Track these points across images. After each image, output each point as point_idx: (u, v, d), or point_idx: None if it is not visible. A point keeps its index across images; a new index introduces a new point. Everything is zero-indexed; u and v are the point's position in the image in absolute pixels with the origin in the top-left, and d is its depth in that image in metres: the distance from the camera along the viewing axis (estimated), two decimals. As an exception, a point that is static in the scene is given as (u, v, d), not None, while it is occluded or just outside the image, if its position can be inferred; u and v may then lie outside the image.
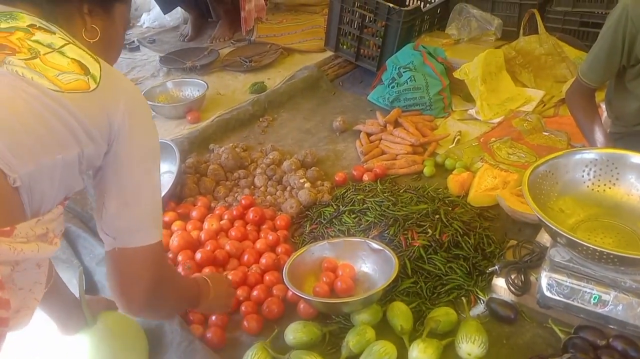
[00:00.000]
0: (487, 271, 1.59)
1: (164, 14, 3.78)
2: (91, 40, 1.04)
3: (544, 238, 1.64)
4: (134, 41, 3.64)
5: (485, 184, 1.98)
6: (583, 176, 1.56)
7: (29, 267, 0.85)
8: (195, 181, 2.12)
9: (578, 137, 2.23)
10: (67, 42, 0.94)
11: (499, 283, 1.56)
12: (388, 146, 2.31)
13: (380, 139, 2.37)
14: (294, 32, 3.60)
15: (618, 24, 1.68)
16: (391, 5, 2.72)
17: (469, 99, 2.60)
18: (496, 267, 1.57)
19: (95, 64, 0.95)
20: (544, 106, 2.52)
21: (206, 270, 1.65)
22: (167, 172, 2.11)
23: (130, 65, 3.37)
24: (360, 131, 2.44)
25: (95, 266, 1.70)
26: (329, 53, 3.17)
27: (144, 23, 4.00)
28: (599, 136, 1.85)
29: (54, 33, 0.94)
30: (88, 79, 0.91)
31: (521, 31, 2.77)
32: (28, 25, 0.92)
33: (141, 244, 1.02)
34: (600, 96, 2.04)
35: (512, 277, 1.53)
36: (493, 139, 2.28)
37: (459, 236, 1.69)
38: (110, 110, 0.94)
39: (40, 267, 0.88)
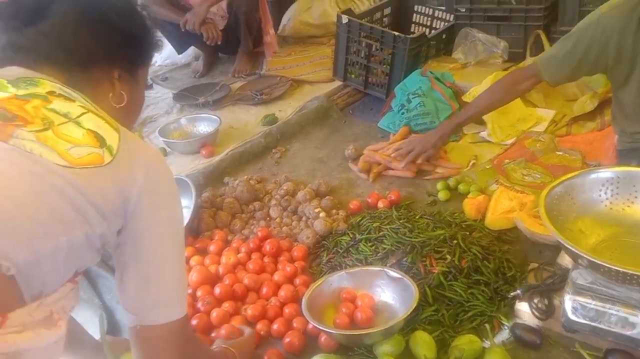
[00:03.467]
0: (510, 296, 1.57)
1: (178, 54, 3.86)
2: (117, 106, 1.03)
3: (566, 260, 1.62)
4: (147, 79, 3.71)
5: (502, 207, 1.97)
6: (600, 195, 1.54)
7: (40, 347, 0.80)
8: (212, 214, 2.14)
9: (592, 155, 2.22)
10: (85, 111, 0.91)
11: (522, 307, 1.54)
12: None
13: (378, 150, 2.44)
14: (303, 64, 3.65)
15: (588, 28, 1.77)
16: (396, 33, 2.76)
17: (480, 121, 2.60)
18: (518, 291, 1.54)
19: (114, 133, 0.92)
20: (556, 125, 2.52)
21: (226, 305, 1.65)
22: (184, 208, 2.13)
23: (145, 103, 3.41)
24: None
25: (116, 305, 1.71)
26: (338, 83, 3.21)
27: (156, 62, 4.08)
28: (476, 102, 2.13)
29: (74, 101, 0.92)
30: (103, 151, 0.88)
31: (528, 52, 2.79)
32: (47, 92, 0.90)
33: (163, 321, 0.98)
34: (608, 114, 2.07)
35: (536, 301, 1.51)
36: (507, 160, 2.27)
37: (478, 261, 1.67)
38: (126, 184, 0.90)
39: (57, 344, 0.84)
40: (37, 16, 0.96)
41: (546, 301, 1.50)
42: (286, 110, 3.12)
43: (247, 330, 1.50)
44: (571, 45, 1.82)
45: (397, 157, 2.31)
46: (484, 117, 2.53)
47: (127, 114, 1.08)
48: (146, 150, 0.97)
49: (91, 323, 1.49)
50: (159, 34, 1.22)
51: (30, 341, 0.76)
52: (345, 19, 2.87)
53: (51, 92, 0.91)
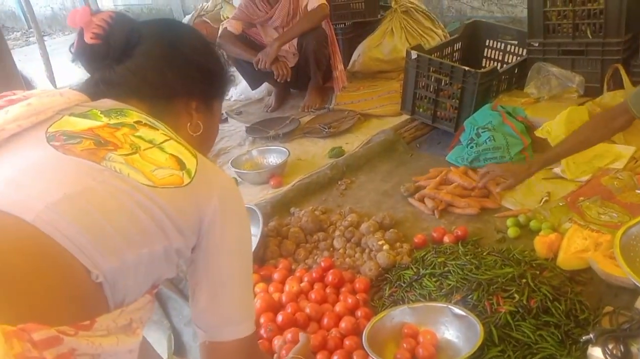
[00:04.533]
0: (582, 340, 1.48)
1: (252, 90, 4.04)
2: (194, 134, 1.13)
3: (645, 304, 1.52)
4: (223, 114, 3.90)
5: (575, 246, 1.88)
6: (685, 236, 1.45)
7: (120, 352, 0.85)
8: (277, 243, 2.19)
9: (677, 195, 2.09)
10: (168, 139, 1.00)
11: (595, 353, 1.45)
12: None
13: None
14: (371, 99, 3.71)
15: None
16: (466, 68, 2.75)
17: (553, 157, 2.52)
18: (591, 336, 1.46)
19: (193, 159, 1.00)
20: (636, 162, 2.39)
21: (288, 333, 1.67)
22: (252, 236, 2.20)
23: (220, 136, 3.60)
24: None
25: (183, 327, 1.78)
26: (405, 116, 3.22)
27: (231, 97, 4.28)
28: (566, 141, 2.07)
29: (157, 129, 1.02)
30: (183, 174, 0.95)
31: (605, 86, 2.69)
32: (134, 122, 1.00)
33: (232, 338, 1.02)
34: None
35: (610, 347, 1.42)
36: (581, 198, 2.17)
37: (548, 302, 1.60)
38: (202, 205, 0.96)
39: (132, 353, 0.89)
40: (125, 55, 1.08)
41: (622, 348, 1.41)
42: (353, 143, 3.16)
43: (303, 336, 1.52)
44: None
45: (480, 177, 2.31)
46: (558, 154, 2.45)
47: (203, 143, 1.17)
48: (220, 175, 1.05)
49: (159, 344, 1.56)
50: (233, 69, 1.33)
51: (114, 345, 0.81)
52: (414, 54, 2.91)
53: (138, 122, 1.00)
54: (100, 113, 0.99)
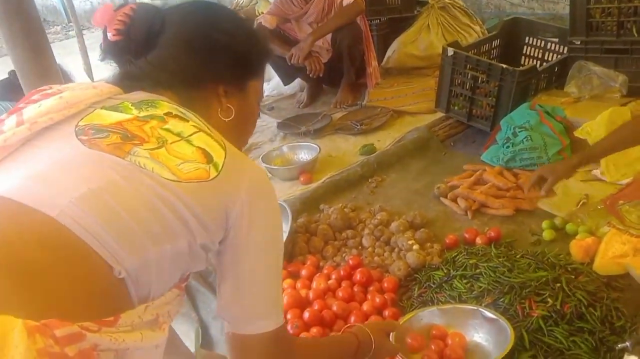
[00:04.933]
0: (617, 348, 1.42)
1: (284, 85, 4.04)
2: (226, 119, 1.10)
3: (687, 315, 1.46)
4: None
5: (614, 251, 1.81)
6: None
7: (146, 347, 0.84)
8: (306, 240, 2.18)
9: None
10: (197, 131, 0.99)
11: (633, 362, 1.40)
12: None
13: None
14: (405, 96, 3.66)
15: None
16: (504, 66, 2.68)
17: (592, 158, 2.43)
18: (627, 343, 1.40)
19: (221, 151, 0.97)
20: (681, 165, 2.29)
21: (314, 330, 1.66)
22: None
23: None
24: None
25: (211, 321, 1.79)
26: (440, 114, 3.16)
27: (264, 92, 4.30)
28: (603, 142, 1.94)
29: (188, 120, 1.00)
30: (209, 167, 0.93)
31: (651, 86, 2.58)
32: (165, 114, 0.99)
33: (256, 331, 1.00)
34: None
35: (648, 357, 1.36)
36: (621, 201, 2.09)
37: (583, 307, 1.55)
38: (229, 199, 0.95)
39: (158, 348, 0.88)
40: (147, 48, 1.06)
41: (661, 359, 1.35)
42: (385, 140, 3.13)
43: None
44: None
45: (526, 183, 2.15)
46: (598, 155, 2.37)
47: (238, 127, 1.13)
48: (250, 167, 1.02)
49: (187, 337, 1.58)
50: (267, 43, 1.24)
51: (138, 341, 0.81)
52: (450, 51, 2.85)
53: (168, 114, 0.99)
54: (131, 105, 0.99)
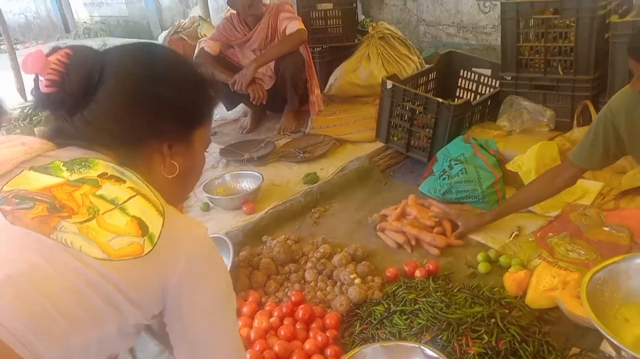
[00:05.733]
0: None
1: (227, 111, 4.02)
2: (170, 176, 1.02)
3: (609, 348, 1.54)
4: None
5: (544, 284, 1.90)
6: (648, 282, 1.48)
7: None
8: (248, 274, 2.16)
9: (642, 233, 2.13)
10: (134, 194, 0.91)
11: (562, 397, 1.46)
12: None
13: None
14: (347, 123, 3.72)
15: (602, 115, 1.95)
16: (440, 100, 2.78)
17: (524, 190, 2.56)
18: (558, 380, 1.47)
19: (159, 219, 0.91)
20: (603, 198, 2.44)
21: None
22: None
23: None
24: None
25: (147, 363, 1.73)
26: (380, 143, 3.23)
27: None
28: (519, 195, 2.23)
29: (125, 181, 0.93)
30: (144, 241, 0.87)
31: (575, 122, 2.75)
32: (99, 175, 0.91)
33: None
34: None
35: (576, 392, 1.43)
36: (550, 234, 2.20)
37: (516, 343, 1.61)
38: (165, 272, 0.89)
39: None
40: (83, 102, 0.96)
41: (588, 394, 1.42)
42: (328, 169, 3.16)
43: None
44: (593, 134, 1.96)
45: (435, 214, 2.35)
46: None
47: (183, 182, 1.06)
48: (190, 233, 0.95)
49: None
50: (215, 88, 1.14)
51: None
52: (389, 84, 2.93)
53: (103, 174, 0.92)
54: (63, 165, 0.92)
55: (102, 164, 0.94)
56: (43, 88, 0.95)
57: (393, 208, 2.55)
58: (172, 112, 1.02)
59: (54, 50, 0.98)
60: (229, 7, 3.73)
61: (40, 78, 0.96)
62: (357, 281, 2.03)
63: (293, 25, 3.49)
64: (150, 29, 8.50)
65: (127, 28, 8.94)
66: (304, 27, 3.51)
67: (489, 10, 5.24)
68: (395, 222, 2.38)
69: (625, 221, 2.23)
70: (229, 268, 2.08)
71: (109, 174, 0.93)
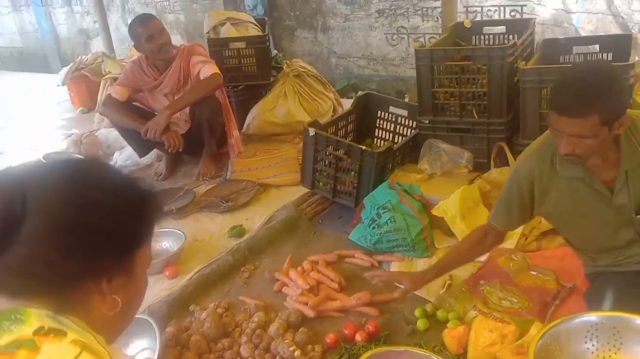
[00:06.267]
0: None
1: (140, 158, 3.78)
2: (112, 313, 0.90)
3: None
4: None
5: (484, 340, 1.91)
6: (586, 343, 1.53)
7: None
8: (177, 355, 1.99)
9: (566, 274, 2.22)
10: (79, 352, 0.78)
11: None
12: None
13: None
14: (268, 166, 3.63)
15: (511, 178, 1.91)
16: (364, 147, 2.78)
17: (450, 233, 2.60)
18: None
19: None
20: (526, 239, 2.53)
21: None
22: (147, 349, 1.98)
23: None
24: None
25: None
26: (306, 188, 3.17)
27: (116, 162, 3.99)
28: (448, 258, 2.17)
29: (66, 334, 0.80)
30: None
31: (492, 163, 2.84)
32: (35, 332, 0.78)
33: None
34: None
35: None
36: (482, 281, 2.24)
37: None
38: None
39: None
40: (4, 244, 0.80)
41: None
42: (253, 218, 3.05)
43: None
44: (506, 197, 1.93)
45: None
46: (455, 233, 2.53)
47: (127, 311, 0.94)
48: None
49: None
50: (158, 200, 0.99)
51: None
52: (312, 131, 2.88)
53: (40, 330, 0.78)
54: None
55: (35, 316, 0.79)
56: None
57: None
58: (110, 244, 0.87)
59: None
60: (134, 45, 3.51)
61: None
62: (297, 353, 1.93)
63: (207, 69, 3.35)
64: (48, 61, 7.93)
65: (22, 60, 8.29)
66: (218, 72, 3.38)
67: (397, 43, 5.41)
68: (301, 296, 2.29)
69: (548, 262, 2.32)
70: (156, 353, 1.91)
71: (46, 328, 0.78)
